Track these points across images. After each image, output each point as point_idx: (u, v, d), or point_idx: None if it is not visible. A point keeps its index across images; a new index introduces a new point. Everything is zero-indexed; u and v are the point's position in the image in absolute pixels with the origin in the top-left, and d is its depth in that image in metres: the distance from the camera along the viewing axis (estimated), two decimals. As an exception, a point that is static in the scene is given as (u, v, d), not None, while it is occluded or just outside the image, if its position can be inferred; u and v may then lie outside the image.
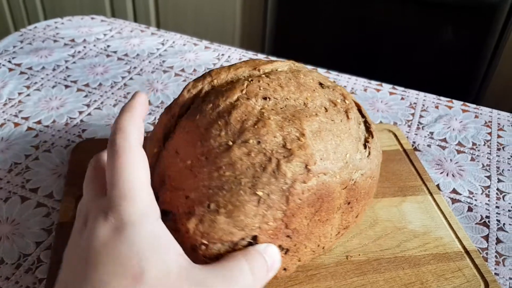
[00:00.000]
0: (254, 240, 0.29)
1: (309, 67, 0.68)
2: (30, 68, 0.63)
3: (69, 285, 0.24)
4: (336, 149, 0.31)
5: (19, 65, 0.63)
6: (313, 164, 0.29)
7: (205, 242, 0.28)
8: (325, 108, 0.32)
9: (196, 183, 0.29)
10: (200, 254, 0.28)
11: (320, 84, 0.35)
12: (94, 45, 0.69)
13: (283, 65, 0.36)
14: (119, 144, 0.26)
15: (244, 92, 0.31)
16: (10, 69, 0.62)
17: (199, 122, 0.30)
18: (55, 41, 0.70)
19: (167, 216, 0.29)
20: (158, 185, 0.30)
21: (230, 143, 0.29)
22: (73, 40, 0.70)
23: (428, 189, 0.45)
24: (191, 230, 0.28)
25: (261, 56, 0.69)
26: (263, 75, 0.33)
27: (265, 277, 0.28)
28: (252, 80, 0.32)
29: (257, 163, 0.28)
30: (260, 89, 0.31)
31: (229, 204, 0.28)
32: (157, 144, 0.32)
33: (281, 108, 0.31)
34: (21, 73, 0.62)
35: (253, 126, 0.29)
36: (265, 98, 0.31)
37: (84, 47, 0.68)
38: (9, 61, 0.64)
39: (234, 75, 0.33)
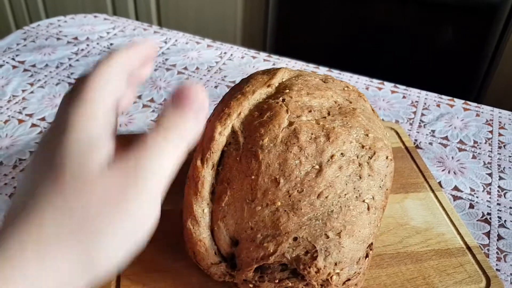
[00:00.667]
0: (370, 248, 0.29)
1: (311, 65, 0.68)
2: (33, 66, 0.63)
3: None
4: (383, 131, 0.34)
5: (22, 62, 0.64)
6: (390, 152, 0.31)
7: (338, 271, 0.28)
8: (348, 100, 0.33)
9: (300, 220, 0.27)
10: (333, 285, 0.28)
11: (323, 81, 0.35)
12: (97, 43, 0.69)
13: (283, 73, 0.35)
14: (98, 61, 0.25)
15: (289, 112, 0.30)
16: (14, 67, 0.63)
17: (266, 160, 0.28)
18: (58, 39, 0.70)
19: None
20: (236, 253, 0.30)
21: (317, 166, 0.28)
22: (76, 38, 0.70)
23: (430, 186, 0.45)
24: (322, 267, 0.27)
25: (263, 55, 0.69)
26: (283, 90, 0.33)
27: (187, 133, 0.24)
28: (283, 99, 0.31)
29: (352, 173, 0.28)
30: (298, 103, 0.31)
31: (347, 224, 0.27)
32: (205, 203, 0.30)
33: (328, 114, 0.31)
34: (25, 70, 0.62)
35: (328, 141, 0.29)
36: (310, 111, 0.31)
37: (87, 45, 0.69)
38: (13, 59, 0.64)
39: (255, 101, 0.32)
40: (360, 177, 0.29)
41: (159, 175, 0.23)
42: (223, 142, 0.30)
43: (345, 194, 0.28)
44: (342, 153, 0.29)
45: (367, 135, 0.31)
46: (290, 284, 0.29)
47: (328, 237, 0.27)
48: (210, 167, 0.30)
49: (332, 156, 0.29)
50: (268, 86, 0.33)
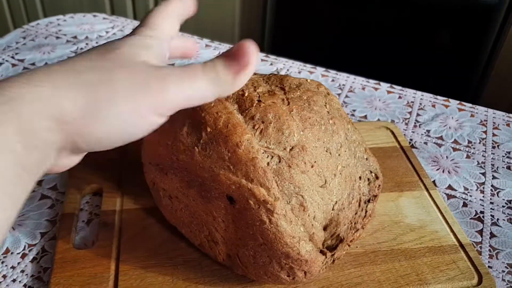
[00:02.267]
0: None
1: (308, 66, 0.69)
2: (33, 64, 0.63)
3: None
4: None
5: (22, 60, 0.64)
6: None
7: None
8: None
9: None
10: None
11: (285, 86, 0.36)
12: (97, 42, 0.70)
13: (263, 86, 0.34)
14: (160, 4, 0.31)
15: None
16: (13, 65, 0.63)
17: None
18: (57, 37, 0.70)
19: None
20: None
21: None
22: (75, 37, 0.71)
23: (424, 185, 0.46)
24: None
25: (260, 55, 0.70)
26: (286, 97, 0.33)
27: (227, 78, 0.27)
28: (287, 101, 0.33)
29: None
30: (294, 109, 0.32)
31: None
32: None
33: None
34: (24, 69, 0.63)
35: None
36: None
37: (86, 44, 0.69)
38: (12, 57, 0.65)
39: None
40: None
41: (178, 97, 0.26)
42: None
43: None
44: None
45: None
46: None
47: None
48: None
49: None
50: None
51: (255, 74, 0.35)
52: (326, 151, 0.32)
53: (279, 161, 0.30)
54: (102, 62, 0.25)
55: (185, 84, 0.26)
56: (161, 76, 0.25)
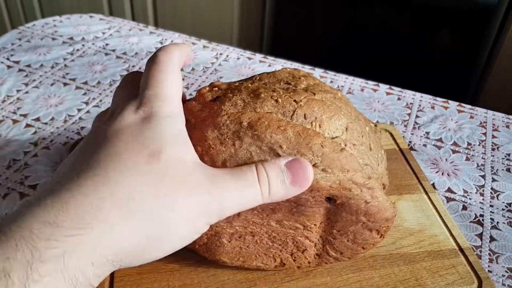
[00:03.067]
0: None
1: (307, 67, 0.68)
2: (28, 66, 0.63)
3: (77, 161, 0.23)
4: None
5: (17, 62, 0.64)
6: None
7: None
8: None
9: None
10: None
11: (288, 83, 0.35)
12: (93, 43, 0.69)
13: (279, 89, 0.34)
14: (160, 58, 0.27)
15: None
16: (9, 66, 0.63)
17: None
18: (53, 39, 0.70)
19: None
20: None
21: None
22: (71, 38, 0.70)
23: (423, 188, 0.45)
24: None
25: (259, 56, 0.69)
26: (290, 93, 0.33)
27: (279, 191, 0.27)
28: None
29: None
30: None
31: None
32: None
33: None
34: (20, 70, 0.62)
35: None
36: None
37: (83, 45, 0.69)
38: (8, 59, 0.64)
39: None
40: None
41: (233, 207, 0.26)
42: None
43: None
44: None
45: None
46: None
47: None
48: None
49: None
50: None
51: (251, 82, 0.34)
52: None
53: (346, 144, 0.31)
54: (155, 178, 0.22)
55: (240, 193, 0.26)
56: (217, 190, 0.25)
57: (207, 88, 0.32)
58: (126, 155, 0.22)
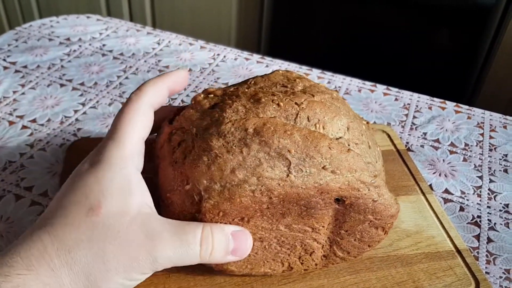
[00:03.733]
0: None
1: (304, 68, 0.68)
2: (25, 67, 0.63)
3: (47, 210, 0.28)
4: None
5: (14, 63, 0.63)
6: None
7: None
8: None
9: None
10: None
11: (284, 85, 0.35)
12: (90, 44, 0.69)
13: (278, 92, 0.34)
14: (131, 98, 0.29)
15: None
16: (5, 68, 0.62)
17: None
18: (50, 39, 0.70)
19: None
20: None
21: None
22: (68, 39, 0.70)
23: (420, 189, 0.45)
24: None
25: (256, 57, 0.69)
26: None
27: (218, 257, 0.29)
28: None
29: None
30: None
31: None
32: None
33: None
34: (16, 71, 0.62)
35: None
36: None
37: (80, 46, 0.68)
38: (4, 60, 0.64)
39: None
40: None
41: (168, 264, 0.27)
42: None
43: None
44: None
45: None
46: None
47: None
48: None
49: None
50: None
51: (248, 87, 0.33)
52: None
53: (349, 144, 0.31)
54: (91, 232, 0.25)
55: (175, 252, 0.27)
56: (152, 245, 0.26)
57: (202, 96, 0.32)
58: (70, 208, 0.26)
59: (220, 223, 0.30)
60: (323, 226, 0.33)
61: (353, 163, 0.30)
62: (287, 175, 0.29)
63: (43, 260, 0.24)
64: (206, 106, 0.31)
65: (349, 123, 0.32)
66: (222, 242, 0.29)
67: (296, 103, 0.30)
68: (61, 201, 0.27)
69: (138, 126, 0.29)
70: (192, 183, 0.29)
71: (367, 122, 0.37)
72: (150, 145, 0.33)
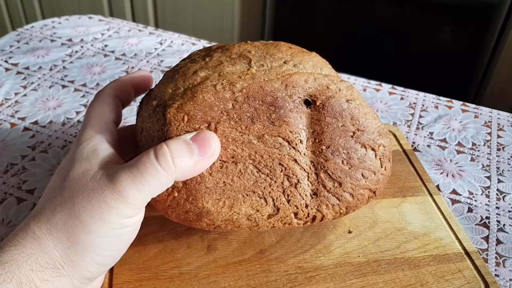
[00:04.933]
0: None
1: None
2: (27, 68, 0.62)
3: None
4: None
5: (15, 65, 0.63)
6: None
7: None
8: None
9: None
10: None
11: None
12: (92, 45, 0.68)
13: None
14: (96, 94, 0.34)
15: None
16: (7, 69, 0.62)
17: None
18: (52, 40, 0.69)
19: None
20: None
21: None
22: (70, 40, 0.70)
23: (428, 189, 0.44)
24: None
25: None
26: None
27: (185, 163, 0.28)
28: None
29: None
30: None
31: None
32: None
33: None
34: (18, 73, 0.61)
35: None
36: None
37: (82, 46, 0.68)
38: (6, 61, 0.64)
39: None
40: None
41: (144, 196, 0.27)
42: None
43: None
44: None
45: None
46: None
47: None
48: None
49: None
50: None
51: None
52: None
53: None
54: (62, 194, 0.27)
55: (141, 185, 0.27)
56: (114, 187, 0.27)
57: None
58: (47, 189, 0.29)
59: (186, 131, 0.29)
60: (300, 141, 0.30)
61: (317, 61, 0.30)
62: (248, 69, 0.29)
63: (26, 235, 0.26)
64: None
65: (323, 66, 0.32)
66: (181, 148, 0.28)
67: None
68: (52, 179, 0.30)
69: (104, 110, 0.32)
70: (158, 97, 0.30)
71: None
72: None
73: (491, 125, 0.56)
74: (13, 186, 0.44)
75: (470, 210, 0.44)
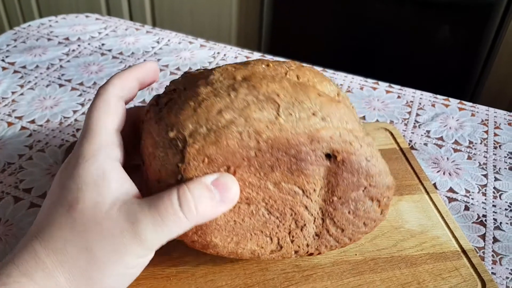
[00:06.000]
0: None
1: (305, 65, 0.67)
2: (23, 67, 0.62)
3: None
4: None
5: (12, 63, 0.63)
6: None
7: None
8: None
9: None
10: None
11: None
12: (89, 44, 0.68)
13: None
14: (98, 93, 0.29)
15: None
16: (4, 68, 0.62)
17: None
18: (49, 39, 0.69)
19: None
20: None
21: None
22: (67, 39, 0.69)
23: (424, 188, 0.44)
24: None
25: (257, 55, 0.68)
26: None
27: (207, 210, 0.27)
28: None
29: None
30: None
31: None
32: None
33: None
34: (15, 72, 0.61)
35: None
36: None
37: (79, 45, 0.68)
38: (3, 60, 0.63)
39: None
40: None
41: (162, 239, 0.27)
42: None
43: None
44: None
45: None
46: None
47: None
48: None
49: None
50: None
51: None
52: None
53: (340, 101, 0.30)
54: (73, 228, 0.26)
55: (161, 230, 0.26)
56: (133, 231, 0.25)
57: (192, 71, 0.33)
58: (52, 210, 0.27)
59: (205, 173, 0.28)
60: (314, 190, 0.31)
61: (343, 113, 0.29)
62: (276, 118, 0.27)
63: (36, 264, 0.25)
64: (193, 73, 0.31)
65: (338, 90, 0.31)
66: (203, 194, 0.27)
67: (286, 66, 0.31)
68: (45, 204, 0.28)
69: (109, 118, 0.29)
70: (176, 129, 0.27)
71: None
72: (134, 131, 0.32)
73: (487, 123, 0.56)
74: (10, 185, 0.44)
75: (467, 208, 0.44)
